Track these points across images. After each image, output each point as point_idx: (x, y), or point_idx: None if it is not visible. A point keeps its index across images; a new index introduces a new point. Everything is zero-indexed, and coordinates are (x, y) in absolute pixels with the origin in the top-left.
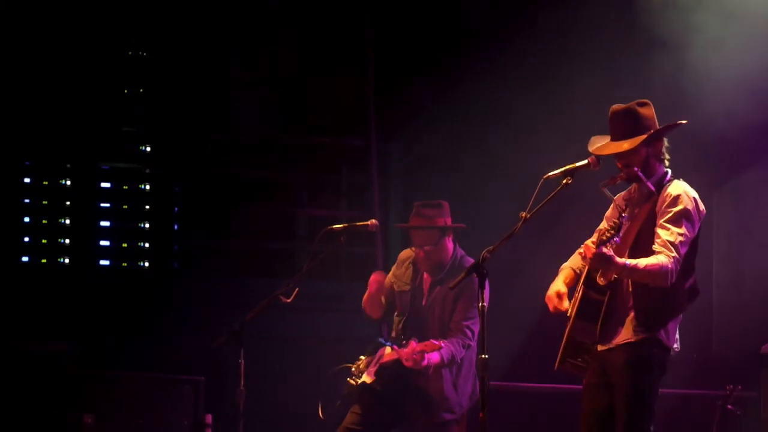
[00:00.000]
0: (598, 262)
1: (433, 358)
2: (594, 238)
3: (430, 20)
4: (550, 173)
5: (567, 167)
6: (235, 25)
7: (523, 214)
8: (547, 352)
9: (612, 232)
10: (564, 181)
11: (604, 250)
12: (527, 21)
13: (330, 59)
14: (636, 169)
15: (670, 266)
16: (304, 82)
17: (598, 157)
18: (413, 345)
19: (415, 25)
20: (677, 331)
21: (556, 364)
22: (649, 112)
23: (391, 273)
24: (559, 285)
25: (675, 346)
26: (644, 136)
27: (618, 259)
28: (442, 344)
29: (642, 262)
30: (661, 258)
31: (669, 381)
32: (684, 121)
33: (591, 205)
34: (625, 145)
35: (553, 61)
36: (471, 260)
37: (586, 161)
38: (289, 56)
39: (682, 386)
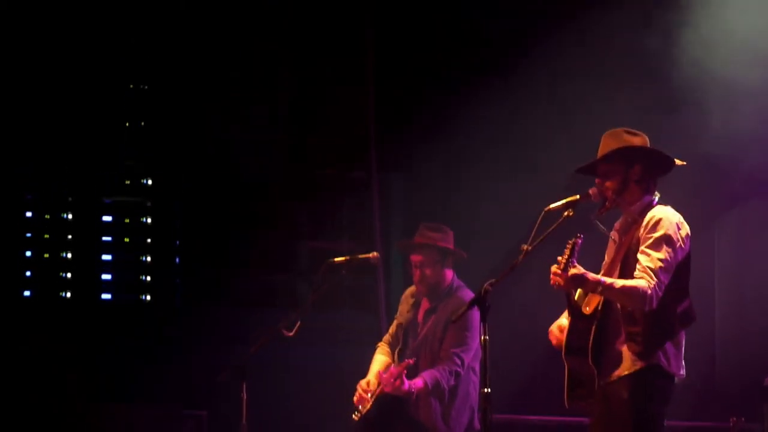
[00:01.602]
0: (571, 283)
1: (416, 383)
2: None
3: (430, 53)
4: (552, 205)
5: (568, 199)
6: (235, 61)
7: (525, 247)
8: (553, 384)
9: (567, 254)
10: (565, 214)
11: (573, 271)
12: (528, 50)
13: (330, 92)
14: (608, 184)
15: (648, 291)
16: (305, 114)
17: (599, 185)
18: (391, 370)
19: (416, 58)
20: (682, 357)
21: (566, 402)
22: (636, 139)
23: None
24: (562, 320)
25: (681, 372)
26: (616, 148)
27: (591, 276)
28: (411, 362)
29: (619, 281)
30: (640, 282)
31: (673, 413)
32: (681, 162)
33: (599, 234)
34: (596, 159)
35: (557, 90)
36: (468, 291)
37: (587, 193)
38: (289, 90)
39: (685, 418)
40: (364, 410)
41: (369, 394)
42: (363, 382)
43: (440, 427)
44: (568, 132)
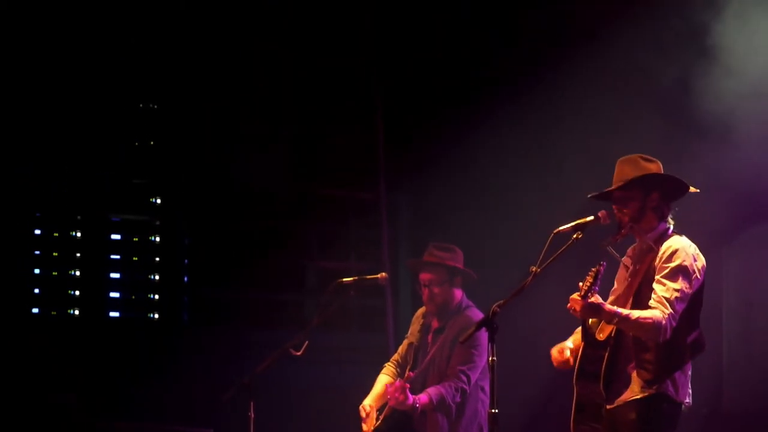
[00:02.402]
0: (588, 312)
1: (421, 398)
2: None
3: (438, 73)
4: (561, 228)
5: (577, 222)
6: (244, 82)
7: (534, 269)
8: (561, 405)
9: (590, 281)
10: (574, 236)
11: (591, 299)
12: (537, 73)
13: (339, 112)
14: (627, 210)
15: (663, 322)
16: (314, 134)
17: (609, 212)
18: (395, 384)
19: (423, 79)
20: (689, 385)
21: (571, 427)
22: (652, 166)
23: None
24: (563, 343)
25: (687, 400)
26: (635, 178)
27: (608, 307)
28: (412, 374)
29: (635, 313)
30: (655, 313)
31: None
32: (695, 189)
33: (612, 260)
34: (615, 187)
35: (564, 112)
36: (476, 311)
37: (596, 216)
38: (298, 111)
39: None
40: (373, 427)
41: (372, 422)
42: (362, 411)
43: None
44: (578, 155)
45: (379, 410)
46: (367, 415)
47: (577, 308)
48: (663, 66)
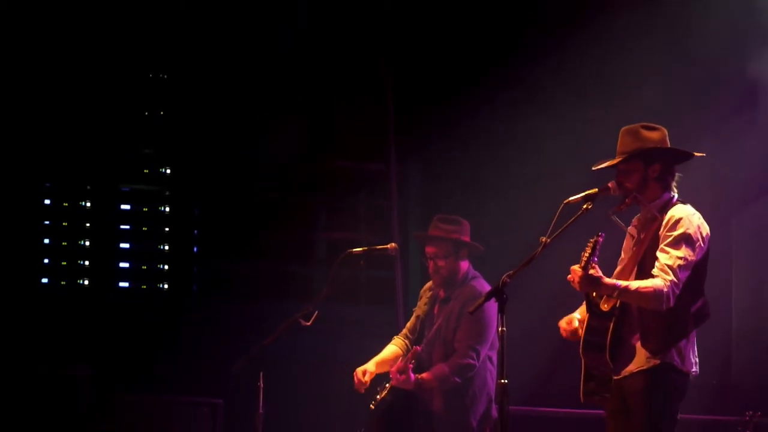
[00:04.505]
0: (587, 284)
1: (423, 377)
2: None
3: (448, 45)
4: (571, 198)
5: (587, 192)
6: (253, 51)
7: (544, 239)
8: (568, 375)
9: (589, 252)
10: (584, 206)
11: (590, 271)
12: (548, 44)
13: (349, 84)
14: (629, 185)
15: (665, 290)
16: (324, 107)
17: (619, 182)
18: (398, 363)
19: (433, 50)
20: (695, 354)
21: (581, 396)
22: (654, 135)
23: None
24: (571, 315)
25: (693, 369)
26: (635, 151)
27: (606, 280)
28: (418, 349)
29: (634, 284)
30: (656, 281)
31: (689, 407)
32: (698, 153)
33: (618, 229)
34: (616, 159)
35: (575, 82)
36: (483, 281)
37: (606, 186)
38: (308, 81)
39: (701, 412)
40: (380, 398)
41: (379, 390)
42: (359, 370)
43: (455, 415)
44: (589, 125)
45: (387, 380)
46: (364, 373)
47: (576, 280)
48: (691, 36)
